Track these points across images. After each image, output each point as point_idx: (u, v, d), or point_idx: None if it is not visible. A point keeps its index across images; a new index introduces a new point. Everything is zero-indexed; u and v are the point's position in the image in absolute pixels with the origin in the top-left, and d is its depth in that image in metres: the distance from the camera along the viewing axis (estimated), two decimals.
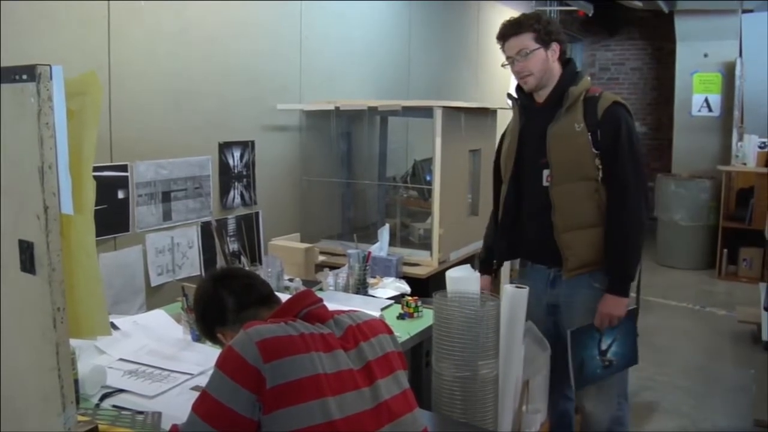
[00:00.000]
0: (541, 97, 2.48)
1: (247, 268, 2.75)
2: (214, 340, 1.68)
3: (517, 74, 2.46)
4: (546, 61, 2.42)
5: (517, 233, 2.59)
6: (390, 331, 1.63)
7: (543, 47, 2.40)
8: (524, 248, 2.63)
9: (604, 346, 2.47)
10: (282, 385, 1.33)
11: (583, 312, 2.45)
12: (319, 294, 1.81)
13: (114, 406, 1.80)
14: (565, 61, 2.48)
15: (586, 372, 2.46)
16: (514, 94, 2.59)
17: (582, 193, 2.39)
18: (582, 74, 2.47)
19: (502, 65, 2.52)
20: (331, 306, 1.64)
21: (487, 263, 2.75)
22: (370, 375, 1.48)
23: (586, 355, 2.45)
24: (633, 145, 2.39)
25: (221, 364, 1.37)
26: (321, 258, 3.29)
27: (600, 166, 2.36)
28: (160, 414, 1.71)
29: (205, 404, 1.35)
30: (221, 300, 1.64)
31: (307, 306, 1.53)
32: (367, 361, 1.50)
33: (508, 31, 2.44)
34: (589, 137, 2.36)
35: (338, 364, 1.43)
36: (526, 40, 2.40)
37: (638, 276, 2.65)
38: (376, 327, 1.60)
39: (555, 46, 2.42)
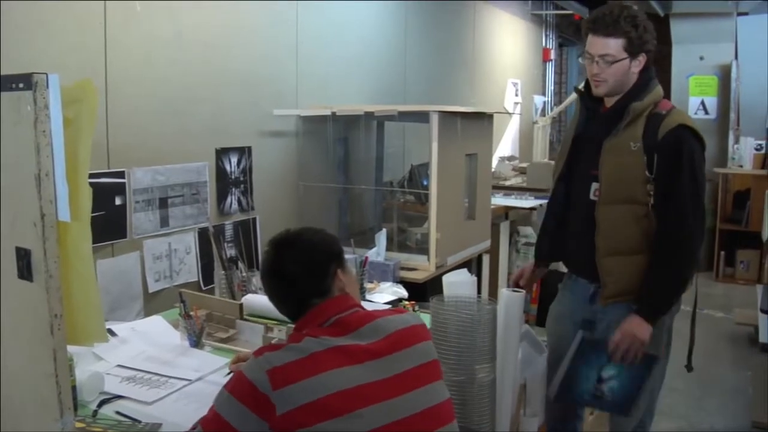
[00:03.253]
0: (608, 102, 2.31)
1: (244, 274, 2.75)
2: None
3: (592, 77, 2.27)
4: (626, 73, 2.22)
5: (561, 238, 2.46)
6: (430, 337, 1.61)
7: (629, 57, 2.20)
8: (568, 258, 2.51)
9: (604, 375, 2.27)
10: (292, 411, 1.34)
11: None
12: None
13: (116, 412, 1.80)
14: (642, 69, 2.26)
15: (574, 389, 2.31)
16: (582, 90, 2.40)
17: (629, 216, 2.22)
18: (653, 84, 2.27)
19: (578, 58, 2.37)
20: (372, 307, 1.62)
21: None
22: (402, 386, 1.46)
23: (582, 370, 2.28)
24: (695, 176, 2.19)
25: (232, 388, 1.39)
26: None
27: (652, 192, 2.19)
28: (159, 425, 1.71)
29: (215, 423, 1.38)
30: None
31: (337, 313, 1.51)
32: (402, 370, 1.47)
33: (601, 29, 2.20)
34: (645, 159, 2.18)
35: (356, 379, 1.41)
36: (615, 46, 2.19)
37: (693, 316, 2.54)
38: (420, 333, 1.57)
39: (642, 58, 2.22)
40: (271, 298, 1.64)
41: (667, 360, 2.45)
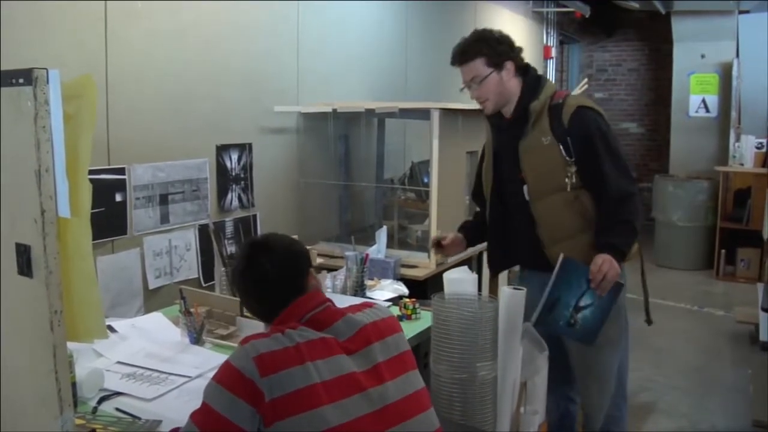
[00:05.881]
0: (507, 112, 2.46)
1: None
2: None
3: (476, 99, 2.45)
4: (500, 84, 2.39)
5: (508, 244, 2.59)
6: (401, 329, 1.64)
7: (495, 70, 2.37)
8: (520, 259, 2.63)
9: (581, 303, 2.34)
10: (279, 398, 1.36)
11: None
12: None
13: (115, 408, 1.80)
14: (524, 71, 2.43)
15: (553, 316, 2.35)
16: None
17: (560, 203, 2.37)
18: (543, 81, 2.43)
19: (460, 90, 2.50)
20: (344, 303, 1.63)
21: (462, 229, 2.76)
22: (378, 376, 1.49)
23: (563, 297, 2.33)
24: (609, 143, 2.35)
25: (220, 378, 1.40)
26: (319, 260, 3.29)
27: (572, 173, 2.34)
28: (159, 422, 1.71)
29: (204, 414, 1.39)
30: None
31: (311, 310, 1.53)
32: (376, 362, 1.50)
33: (458, 59, 2.42)
34: (560, 148, 2.34)
35: (337, 369, 1.44)
36: (478, 67, 2.37)
37: (642, 270, 2.63)
38: (392, 325, 1.61)
39: (509, 65, 2.39)
40: (250, 302, 1.64)
41: (628, 341, 2.59)
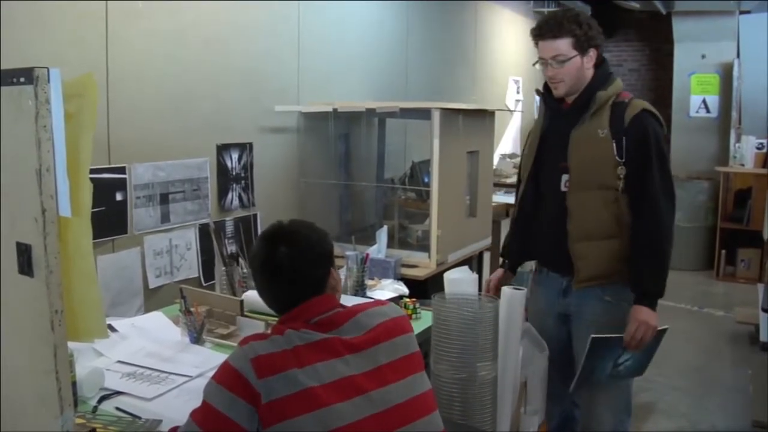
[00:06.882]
0: (569, 98, 2.38)
1: (244, 270, 2.75)
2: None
3: (549, 79, 2.36)
4: (580, 69, 2.31)
5: (531, 235, 2.54)
6: (411, 329, 1.62)
7: (580, 54, 2.29)
8: (539, 253, 2.57)
9: (620, 361, 2.35)
10: (276, 401, 1.36)
11: (590, 325, 2.37)
12: None
13: (116, 408, 1.79)
14: (598, 62, 2.36)
15: (592, 380, 2.36)
16: (542, 90, 2.48)
17: (599, 201, 2.30)
18: (614, 77, 2.37)
19: (534, 64, 2.42)
20: (347, 303, 1.62)
21: (503, 259, 2.73)
22: (381, 378, 1.47)
23: (599, 365, 2.33)
24: (662, 156, 2.29)
25: (219, 378, 1.41)
26: None
27: (621, 176, 2.27)
28: (160, 421, 1.71)
29: (204, 413, 1.40)
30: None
31: (320, 314, 1.51)
32: (380, 364, 1.49)
33: (546, 33, 2.30)
34: (614, 144, 2.26)
35: (337, 372, 1.43)
36: (564, 46, 2.28)
37: None
38: (401, 325, 1.59)
39: (592, 53, 2.32)
40: (264, 293, 1.60)
41: None
